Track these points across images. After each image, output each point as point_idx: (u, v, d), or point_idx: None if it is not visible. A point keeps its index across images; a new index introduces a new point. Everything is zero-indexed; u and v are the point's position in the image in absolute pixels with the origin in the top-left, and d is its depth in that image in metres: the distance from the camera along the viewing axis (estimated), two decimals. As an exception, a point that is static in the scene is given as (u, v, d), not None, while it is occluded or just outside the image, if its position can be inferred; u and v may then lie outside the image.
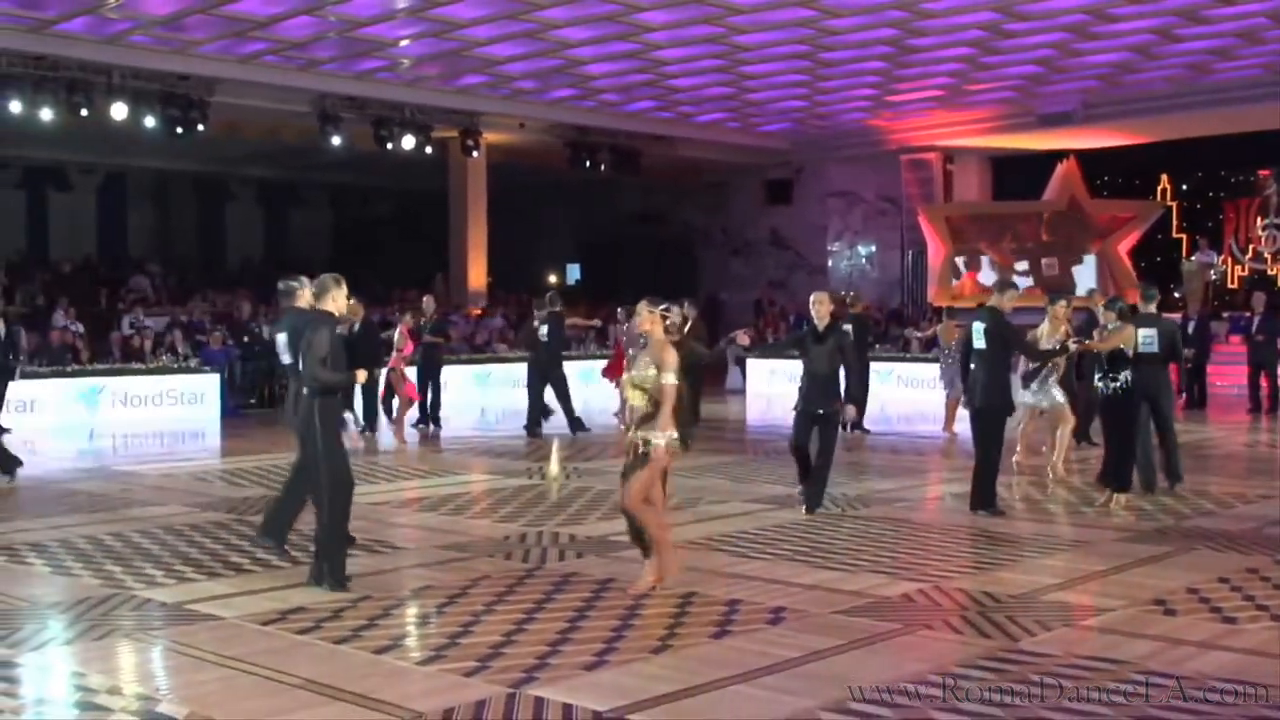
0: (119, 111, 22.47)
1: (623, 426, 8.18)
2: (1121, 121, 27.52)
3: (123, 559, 9.58)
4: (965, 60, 24.01)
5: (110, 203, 35.39)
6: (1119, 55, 23.44)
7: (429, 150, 26.99)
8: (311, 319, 8.79)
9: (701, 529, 10.71)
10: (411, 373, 18.45)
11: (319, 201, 39.70)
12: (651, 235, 37.03)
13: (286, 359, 9.30)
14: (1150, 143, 29.22)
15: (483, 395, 24.47)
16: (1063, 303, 13.78)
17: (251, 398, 23.48)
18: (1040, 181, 29.57)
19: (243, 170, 36.05)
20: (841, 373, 11.32)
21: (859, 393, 18.56)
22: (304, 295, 9.44)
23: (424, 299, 20.79)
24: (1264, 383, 21.92)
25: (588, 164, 29.59)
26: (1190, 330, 23.09)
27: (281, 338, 9.34)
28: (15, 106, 21.46)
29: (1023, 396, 13.43)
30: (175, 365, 22.03)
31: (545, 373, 18.70)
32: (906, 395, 24.72)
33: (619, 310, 21.40)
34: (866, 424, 18.65)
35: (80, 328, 23.22)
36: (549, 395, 18.60)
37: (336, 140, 25.40)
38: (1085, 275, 28.09)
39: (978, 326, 11.40)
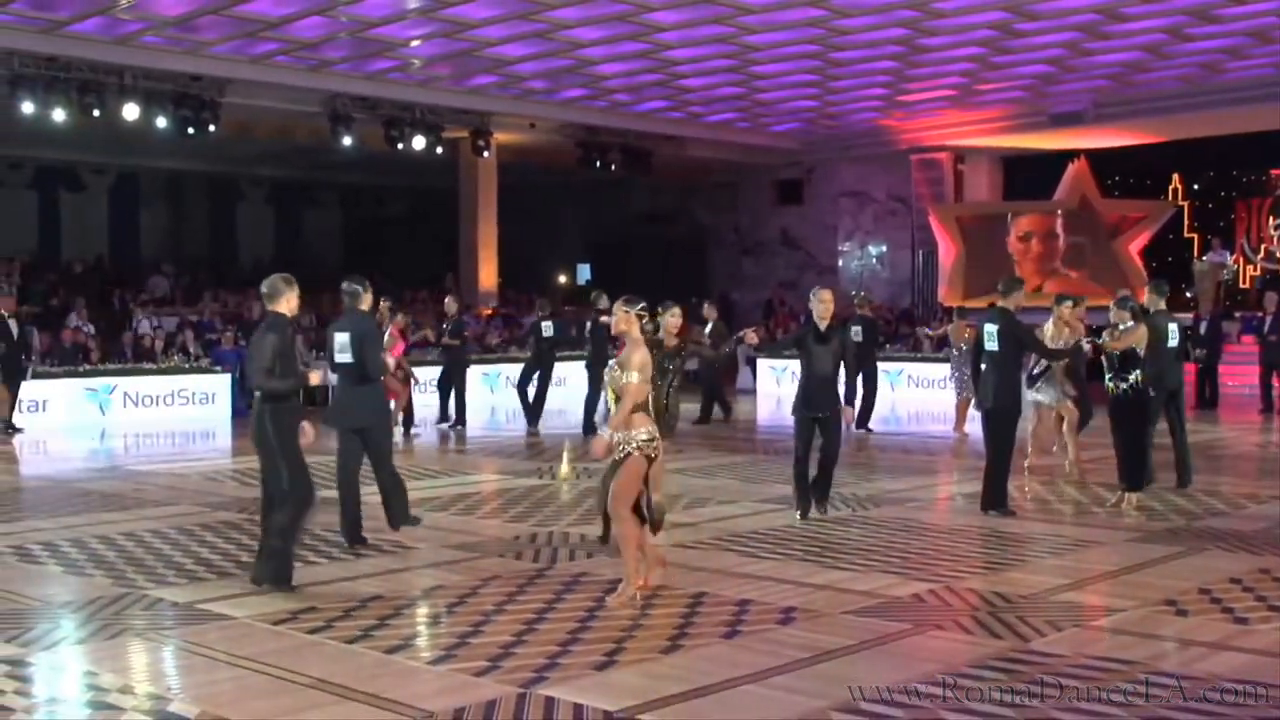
0: (131, 112, 22.50)
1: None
2: (1133, 121, 27.44)
3: (134, 559, 9.61)
4: (976, 60, 23.96)
5: (122, 203, 35.43)
6: (1130, 55, 23.38)
7: (440, 150, 26.98)
8: (265, 323, 8.86)
9: (712, 529, 10.71)
10: (425, 373, 18.61)
11: (330, 201, 39.74)
12: (662, 235, 37.00)
13: (345, 358, 9.97)
14: (1161, 142, 29.13)
15: (492, 395, 24.47)
16: (1069, 304, 13.76)
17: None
18: (1051, 181, 29.52)
19: (254, 170, 36.08)
20: (841, 374, 11.15)
21: (869, 396, 18.68)
22: (366, 299, 10.25)
23: (446, 300, 21.09)
24: (1276, 383, 21.87)
25: (598, 164, 29.56)
26: (1202, 330, 23.09)
27: (344, 337, 9.98)
28: (28, 107, 21.49)
29: (1029, 396, 13.40)
30: (187, 365, 22.08)
31: (546, 370, 19.47)
32: (917, 395, 24.72)
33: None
34: (872, 424, 18.66)
35: (92, 328, 23.28)
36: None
37: (348, 140, 25.41)
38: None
39: (990, 328, 11.37)
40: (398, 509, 10.38)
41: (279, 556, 8.54)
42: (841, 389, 11.31)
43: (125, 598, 8.35)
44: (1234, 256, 29.41)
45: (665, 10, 20.31)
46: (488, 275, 30.73)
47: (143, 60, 22.04)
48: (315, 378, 8.94)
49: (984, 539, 10.34)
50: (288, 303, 8.83)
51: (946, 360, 19.93)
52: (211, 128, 23.43)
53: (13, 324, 18.77)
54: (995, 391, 11.26)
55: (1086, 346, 12.39)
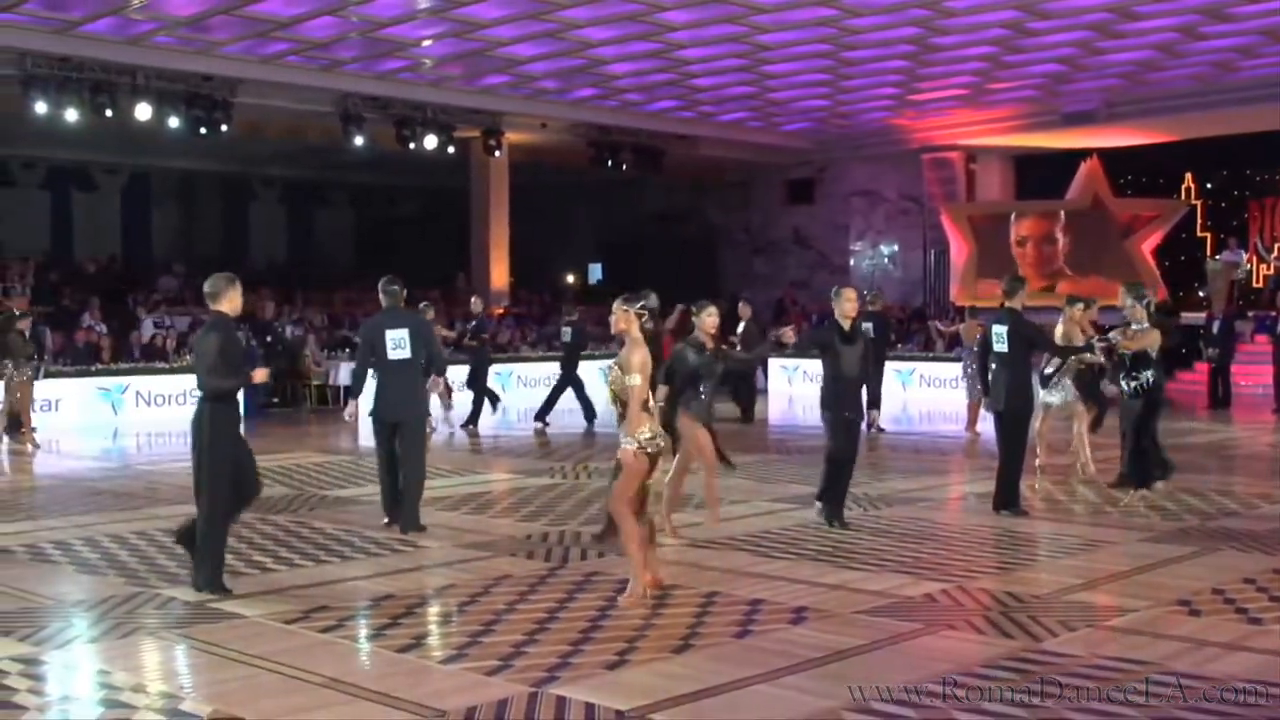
0: (143, 112, 22.54)
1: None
2: (1145, 120, 27.37)
3: (147, 557, 9.63)
4: (988, 59, 23.92)
5: (134, 203, 35.47)
6: (1142, 53, 23.32)
7: (451, 150, 27.01)
8: (208, 323, 8.95)
9: (724, 528, 10.69)
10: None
11: (342, 201, 39.77)
12: (674, 235, 36.98)
13: (402, 354, 10.56)
14: (1174, 141, 29.02)
15: (504, 395, 24.44)
16: (1080, 306, 13.74)
17: (274, 397, 23.56)
18: (1063, 180, 29.43)
19: (266, 170, 36.14)
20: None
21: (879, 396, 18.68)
22: (402, 297, 11.04)
23: (473, 300, 21.32)
24: (1290, 382, 21.81)
25: (610, 163, 29.56)
26: (1215, 330, 23.03)
27: (400, 333, 10.61)
28: (40, 107, 21.54)
29: (1041, 397, 13.34)
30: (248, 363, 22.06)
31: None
32: (929, 395, 24.68)
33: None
34: (884, 423, 18.69)
35: (104, 328, 23.33)
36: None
37: (359, 140, 25.44)
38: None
39: (999, 329, 11.34)
40: (410, 510, 10.67)
41: (206, 561, 8.45)
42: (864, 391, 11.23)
43: (138, 596, 8.37)
44: (1247, 256, 29.30)
45: (677, 10, 20.31)
46: (499, 275, 30.74)
47: (155, 60, 22.09)
48: (260, 376, 8.92)
49: (996, 539, 10.33)
50: (229, 302, 8.83)
51: (958, 360, 19.90)
52: (223, 128, 23.48)
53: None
54: (1007, 393, 11.24)
55: (1099, 347, 12.33)
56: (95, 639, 7.46)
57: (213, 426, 8.46)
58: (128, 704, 6.14)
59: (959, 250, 30.31)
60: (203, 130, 23.37)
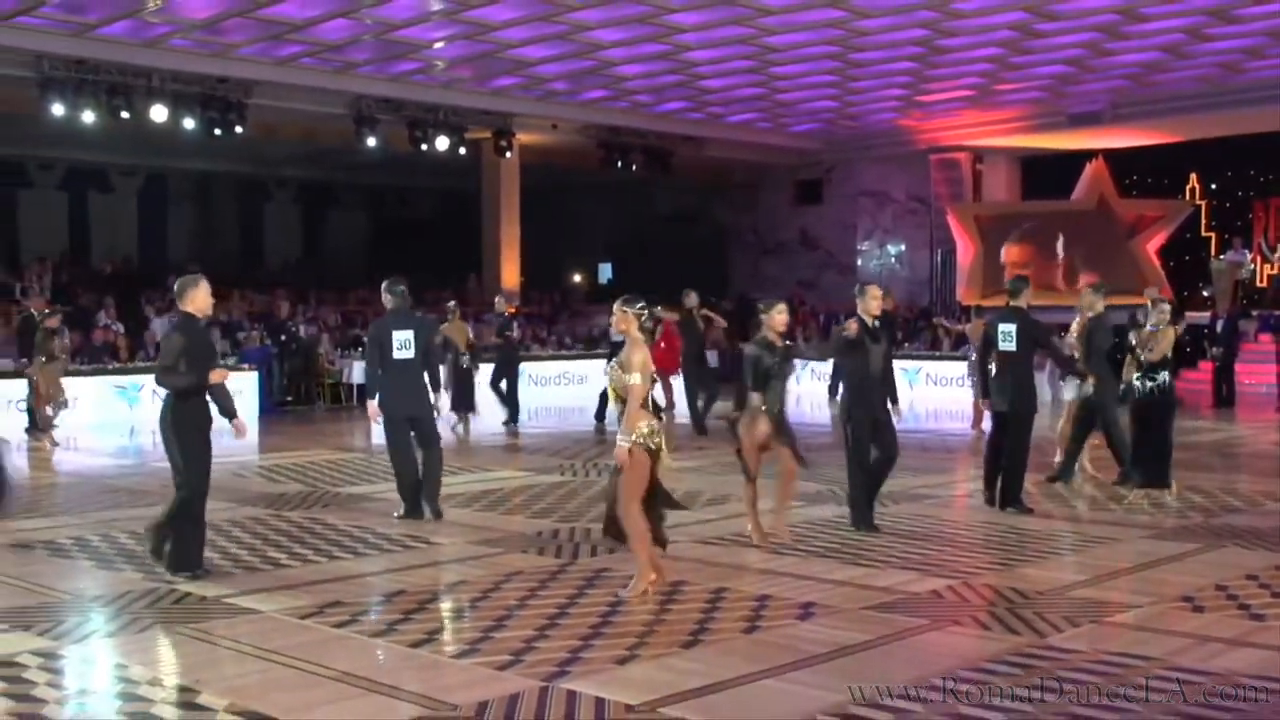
0: (159, 114, 22.60)
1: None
2: (1150, 121, 27.33)
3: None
4: (995, 60, 23.90)
5: (151, 204, 35.55)
6: (1149, 55, 23.29)
7: (463, 151, 27.04)
8: (174, 323, 9.17)
9: (732, 526, 10.70)
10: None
11: (355, 202, 39.82)
12: (683, 235, 36.98)
13: (407, 354, 10.94)
14: (1179, 142, 28.99)
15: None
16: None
17: (289, 396, 23.62)
18: (1069, 181, 29.40)
19: (281, 171, 36.21)
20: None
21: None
22: (408, 298, 11.36)
23: (497, 300, 21.54)
24: (1293, 381, 21.80)
25: (620, 164, 29.58)
26: (1219, 329, 23.00)
27: (406, 334, 10.97)
28: (58, 109, 21.61)
29: (1062, 393, 13.23)
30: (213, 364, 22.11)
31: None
32: (935, 393, 24.66)
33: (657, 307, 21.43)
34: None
35: (121, 327, 23.39)
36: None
37: (372, 142, 25.48)
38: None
39: (1006, 328, 11.27)
40: (432, 490, 11.20)
41: (177, 544, 8.74)
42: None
43: (154, 592, 8.39)
44: (1251, 256, 29.26)
45: (686, 12, 20.33)
46: (510, 275, 30.76)
47: (170, 63, 22.15)
48: (218, 376, 9.00)
49: (1001, 536, 10.32)
50: (194, 302, 8.95)
51: (964, 358, 19.89)
52: (238, 129, 23.54)
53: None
54: (1012, 394, 11.17)
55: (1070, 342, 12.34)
56: (113, 633, 7.49)
57: (176, 427, 8.71)
58: (145, 697, 6.17)
59: (965, 250, 30.28)
60: (218, 132, 23.44)
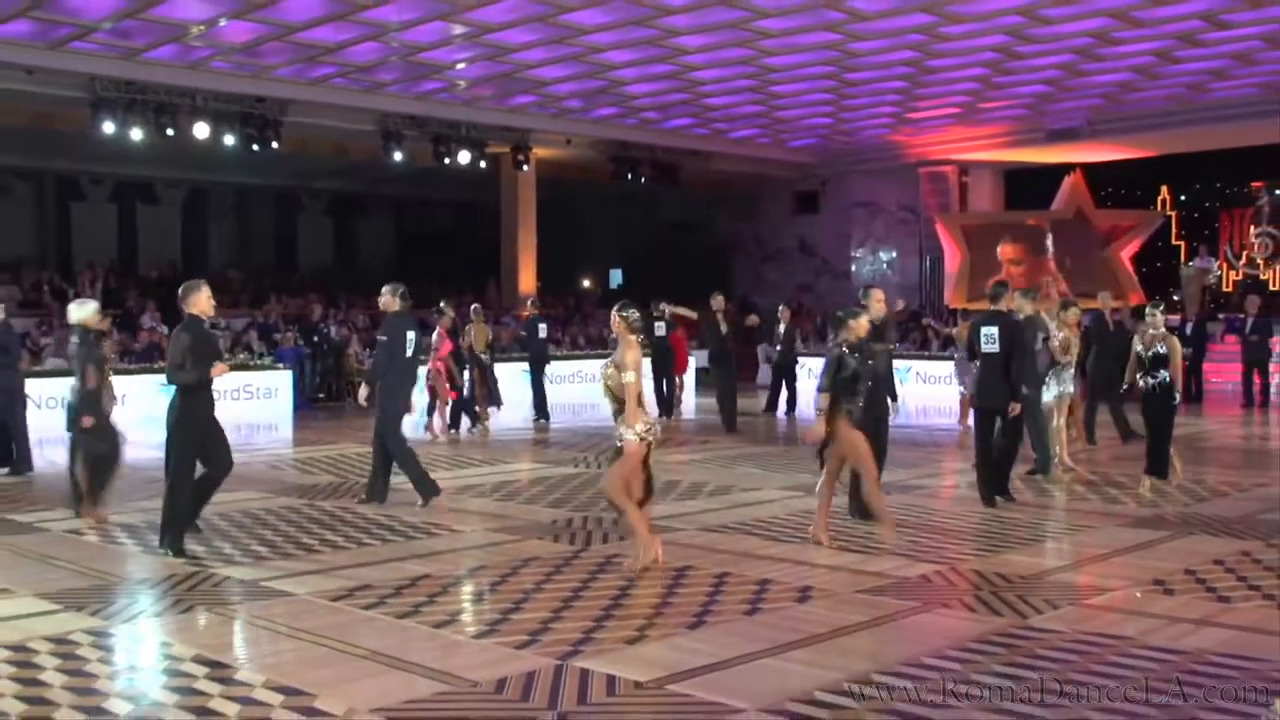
0: (201, 131, 22.65)
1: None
2: (1125, 137, 27.28)
3: (204, 540, 9.66)
4: (980, 80, 23.86)
5: (193, 215, 35.65)
6: (1122, 75, 23.23)
7: (483, 165, 27.04)
8: (180, 324, 9.32)
9: (735, 514, 10.70)
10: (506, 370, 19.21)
11: (383, 212, 39.85)
12: (689, 243, 36.96)
13: (411, 353, 11.26)
14: (1151, 157, 28.98)
15: (528, 390, 24.41)
16: (1075, 309, 13.65)
17: (320, 393, 23.64)
18: (1049, 193, 29.32)
19: (314, 184, 36.27)
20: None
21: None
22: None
23: (529, 302, 22.00)
24: (1257, 379, 21.82)
25: (629, 176, 29.57)
26: (1188, 331, 22.95)
27: (412, 335, 11.27)
28: (109, 127, 21.67)
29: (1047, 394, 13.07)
30: (251, 362, 22.19)
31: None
32: (925, 391, 24.62)
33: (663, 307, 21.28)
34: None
35: (165, 328, 23.40)
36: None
37: (399, 156, 25.50)
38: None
39: (989, 330, 11.20)
40: (378, 484, 11.42)
41: (170, 526, 9.02)
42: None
43: (196, 575, 8.40)
44: (1218, 263, 29.22)
45: (691, 34, 20.32)
46: (527, 280, 30.76)
47: (212, 84, 22.19)
48: (219, 370, 9.07)
49: (986, 524, 10.29)
50: (196, 304, 9.24)
51: (952, 358, 19.86)
52: (274, 145, 23.57)
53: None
54: (994, 391, 11.10)
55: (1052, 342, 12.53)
56: (158, 614, 7.50)
57: (181, 414, 9.05)
58: (188, 674, 6.17)
59: (952, 257, 30.21)
60: (255, 147, 23.47)
